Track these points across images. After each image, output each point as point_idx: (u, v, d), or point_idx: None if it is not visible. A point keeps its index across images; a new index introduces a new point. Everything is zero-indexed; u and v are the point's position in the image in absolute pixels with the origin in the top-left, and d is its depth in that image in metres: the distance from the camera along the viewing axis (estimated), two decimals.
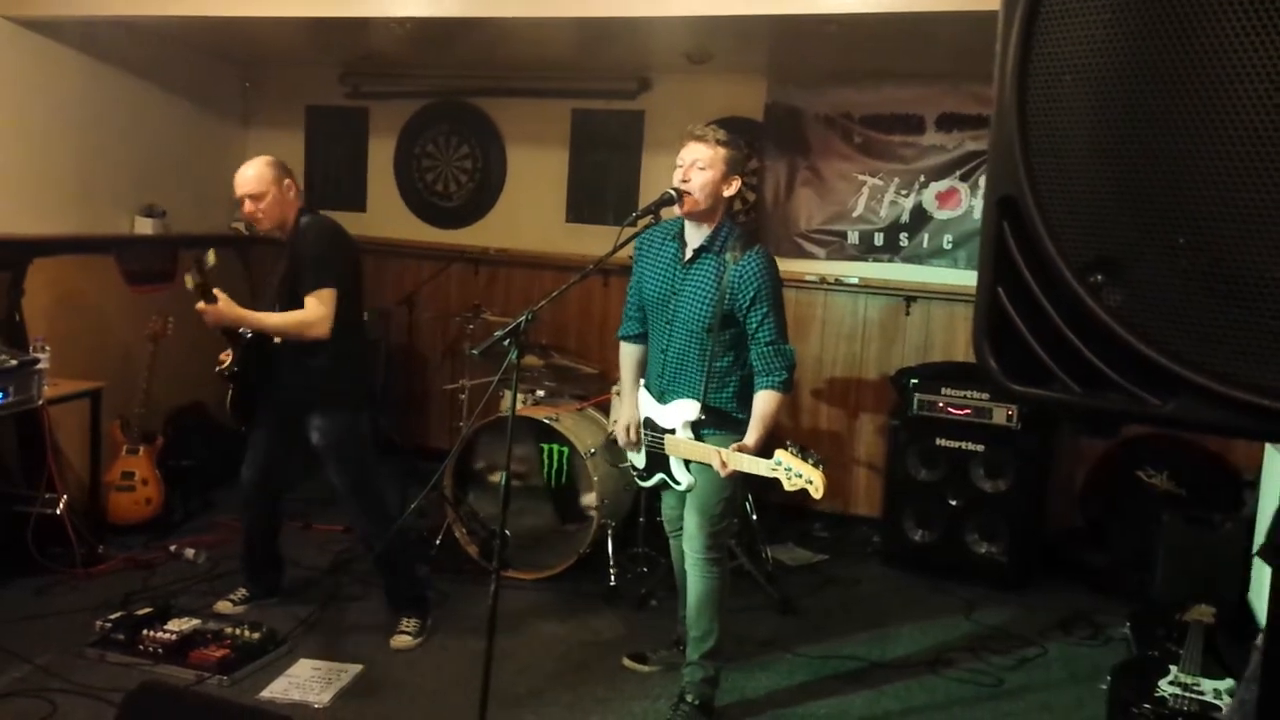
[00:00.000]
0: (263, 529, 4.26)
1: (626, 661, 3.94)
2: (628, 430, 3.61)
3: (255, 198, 3.85)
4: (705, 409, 3.36)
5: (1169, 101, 1.07)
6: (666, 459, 3.49)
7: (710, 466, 3.29)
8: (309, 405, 3.95)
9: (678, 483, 3.47)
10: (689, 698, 3.50)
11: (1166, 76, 1.07)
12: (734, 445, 3.19)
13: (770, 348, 3.28)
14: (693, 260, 3.37)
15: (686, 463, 3.43)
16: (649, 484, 3.65)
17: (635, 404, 3.63)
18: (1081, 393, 1.20)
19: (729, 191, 3.34)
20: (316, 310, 3.78)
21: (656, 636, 4.07)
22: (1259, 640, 2.76)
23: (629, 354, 3.70)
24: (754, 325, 3.29)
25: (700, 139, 3.29)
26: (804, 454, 3.06)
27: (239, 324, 3.82)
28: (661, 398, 3.50)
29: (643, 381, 3.64)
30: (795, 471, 3.04)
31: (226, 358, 3.95)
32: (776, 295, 3.32)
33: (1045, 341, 1.22)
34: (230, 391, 4.01)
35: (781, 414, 4.79)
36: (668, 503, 3.79)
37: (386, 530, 3.96)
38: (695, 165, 3.28)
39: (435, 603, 4.33)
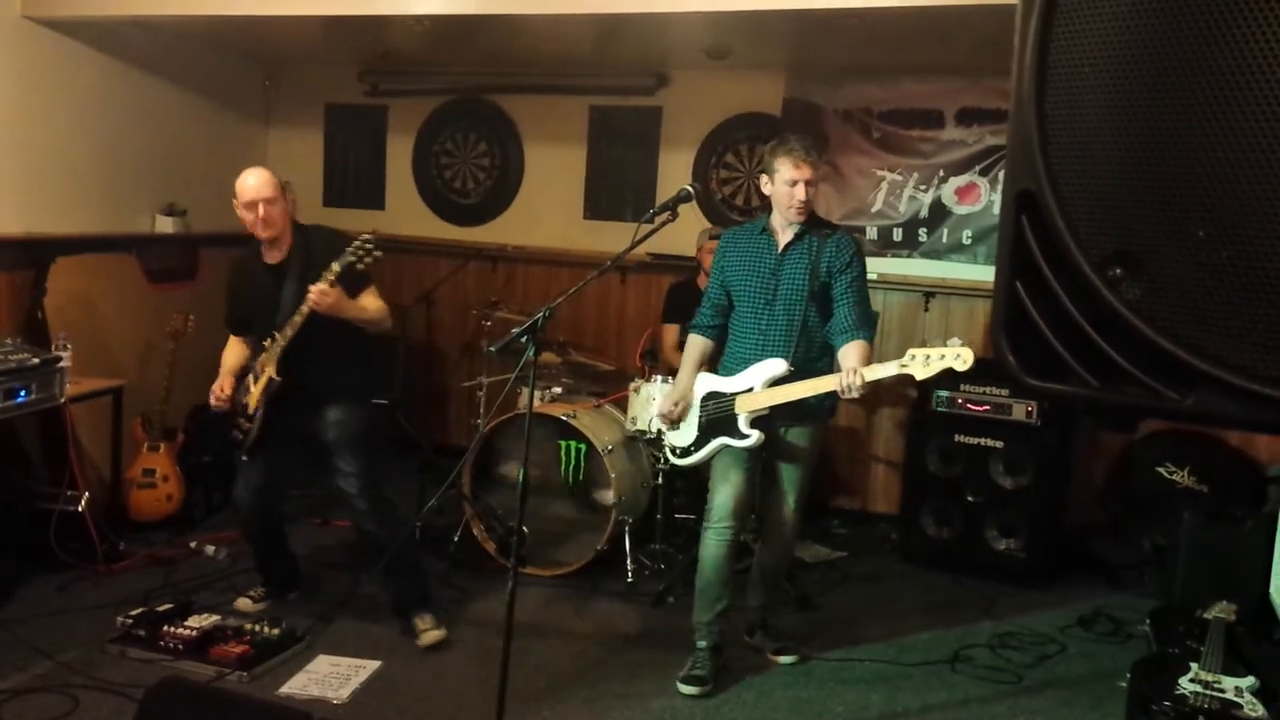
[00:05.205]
0: (267, 538, 4.22)
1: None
2: (675, 405, 3.81)
3: (270, 201, 3.84)
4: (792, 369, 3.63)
5: (1188, 93, 1.06)
6: (726, 423, 3.66)
7: (805, 448, 3.75)
8: (328, 401, 3.92)
9: (745, 437, 3.62)
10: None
11: (1186, 68, 1.06)
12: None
13: (859, 308, 3.66)
14: (791, 245, 3.70)
15: (753, 423, 3.63)
16: (692, 460, 3.80)
17: (690, 387, 3.82)
18: (1100, 387, 1.19)
19: None
20: (382, 302, 3.92)
21: (673, 633, 4.06)
22: None
23: (698, 345, 3.90)
24: (845, 286, 3.65)
25: (813, 164, 3.60)
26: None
27: (347, 313, 3.76)
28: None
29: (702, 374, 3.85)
30: (929, 355, 3.31)
31: (251, 400, 3.90)
32: (864, 269, 3.75)
33: (1064, 336, 1.21)
34: (249, 428, 3.94)
35: None
36: (727, 492, 3.66)
37: (395, 528, 3.97)
38: (811, 184, 3.61)
39: (453, 600, 4.36)
